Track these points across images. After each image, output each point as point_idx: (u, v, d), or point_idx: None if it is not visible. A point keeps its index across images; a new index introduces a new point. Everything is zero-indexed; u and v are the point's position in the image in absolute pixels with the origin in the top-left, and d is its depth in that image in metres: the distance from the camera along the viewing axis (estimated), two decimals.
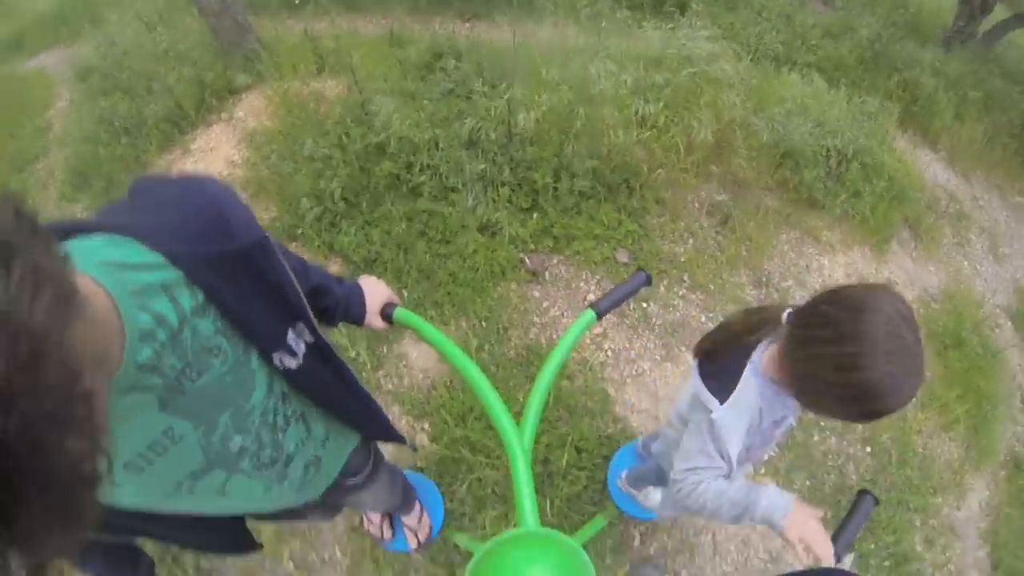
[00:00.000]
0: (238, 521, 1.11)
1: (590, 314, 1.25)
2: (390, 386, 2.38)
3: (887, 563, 2.38)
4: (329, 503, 1.31)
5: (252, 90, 3.91)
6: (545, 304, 2.49)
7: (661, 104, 2.87)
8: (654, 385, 2.37)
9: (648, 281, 1.34)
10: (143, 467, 0.70)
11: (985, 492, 2.74)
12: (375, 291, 1.23)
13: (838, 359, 0.91)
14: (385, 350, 2.44)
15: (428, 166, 2.77)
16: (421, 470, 2.24)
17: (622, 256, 2.63)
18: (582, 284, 2.55)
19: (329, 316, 1.07)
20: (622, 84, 2.95)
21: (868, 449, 2.51)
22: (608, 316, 2.46)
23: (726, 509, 1.14)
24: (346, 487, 1.21)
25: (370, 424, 1.13)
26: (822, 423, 2.48)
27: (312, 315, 0.83)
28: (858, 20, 4.78)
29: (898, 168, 3.16)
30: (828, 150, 3.03)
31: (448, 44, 3.62)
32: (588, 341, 2.42)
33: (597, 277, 2.57)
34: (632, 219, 2.65)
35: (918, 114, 3.76)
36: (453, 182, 2.72)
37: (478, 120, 2.86)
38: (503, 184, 2.70)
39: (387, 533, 2.08)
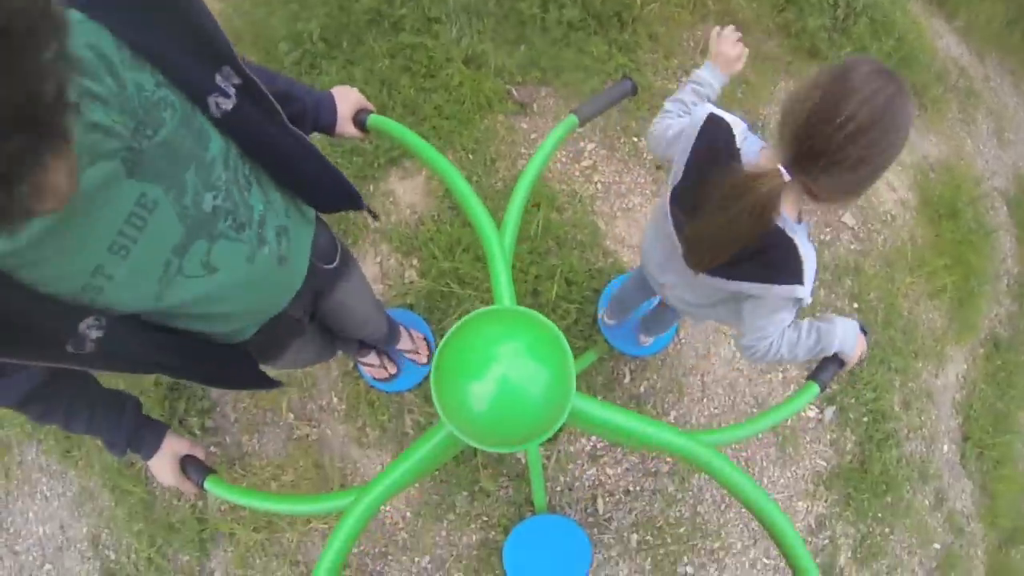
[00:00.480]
0: (250, 360, 1.12)
1: (572, 119, 1.21)
2: (377, 224, 2.28)
3: (865, 419, 2.38)
4: (317, 313, 1.32)
5: None
6: (533, 136, 2.37)
7: None
8: (644, 220, 2.28)
9: (634, 90, 1.26)
10: (128, 247, 0.71)
11: (963, 365, 2.73)
12: (347, 97, 1.18)
13: (887, 158, 0.91)
14: (371, 189, 2.34)
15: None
16: (410, 307, 2.17)
17: None
18: (565, 115, 2.41)
19: (298, 125, 0.97)
20: None
21: (855, 305, 2.46)
22: (598, 149, 2.33)
23: (802, 355, 1.16)
24: (323, 272, 1.19)
25: (325, 187, 1.08)
26: None
27: (237, 56, 0.81)
28: None
29: (910, 30, 2.98)
30: None
31: None
32: (577, 173, 2.30)
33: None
34: (623, 53, 2.48)
35: None
36: (436, 13, 2.54)
37: None
38: (488, 15, 2.51)
39: (391, 368, 2.05)
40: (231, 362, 1.06)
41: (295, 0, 2.68)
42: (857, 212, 2.63)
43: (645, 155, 2.39)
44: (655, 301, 1.96)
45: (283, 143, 0.93)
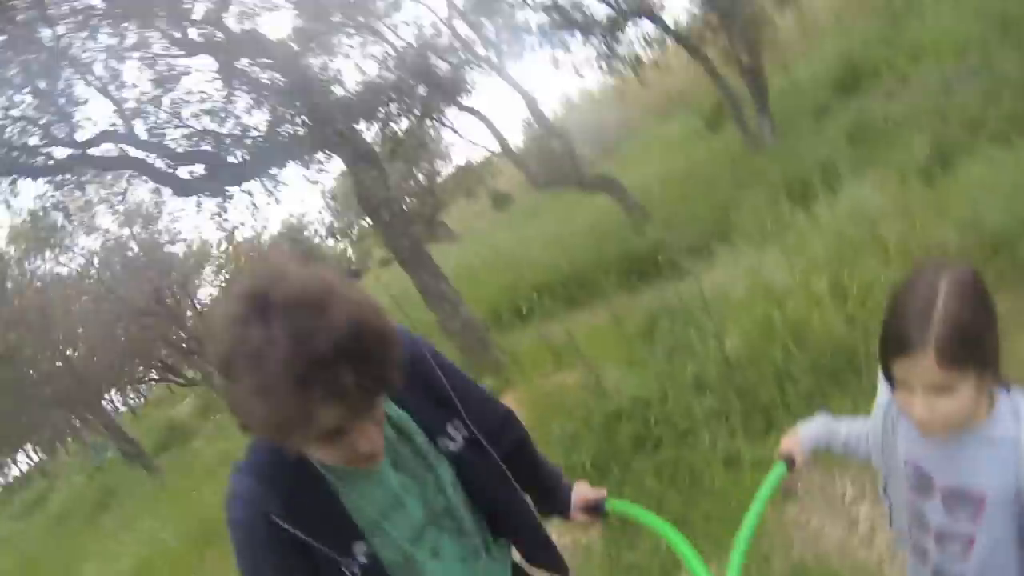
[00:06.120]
0: None
1: None
2: None
3: None
4: None
5: (502, 394, 4.66)
6: (803, 518, 2.53)
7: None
8: None
9: None
10: (398, 510, 1.03)
11: None
12: (580, 489, 1.38)
13: None
14: None
15: (661, 418, 3.14)
16: None
17: None
18: (837, 488, 2.58)
19: (547, 500, 1.35)
20: (795, 267, 3.39)
21: None
22: (872, 510, 2.41)
23: None
24: None
25: (529, 536, 1.30)
26: None
27: (466, 416, 1.12)
28: None
29: None
30: None
31: (662, 309, 4.33)
32: (856, 543, 2.34)
33: (849, 479, 2.56)
34: (866, 399, 2.61)
35: None
36: (686, 425, 3.02)
37: (699, 365, 3.29)
38: (734, 413, 2.95)
39: None
40: None
41: (567, 437, 3.34)
42: None
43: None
44: None
45: (494, 478, 1.17)
